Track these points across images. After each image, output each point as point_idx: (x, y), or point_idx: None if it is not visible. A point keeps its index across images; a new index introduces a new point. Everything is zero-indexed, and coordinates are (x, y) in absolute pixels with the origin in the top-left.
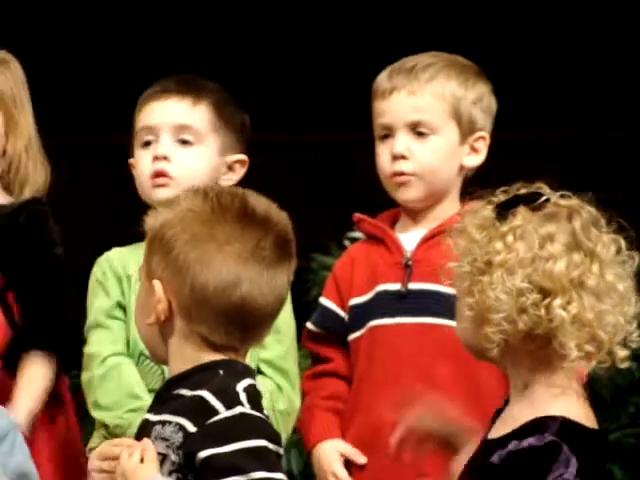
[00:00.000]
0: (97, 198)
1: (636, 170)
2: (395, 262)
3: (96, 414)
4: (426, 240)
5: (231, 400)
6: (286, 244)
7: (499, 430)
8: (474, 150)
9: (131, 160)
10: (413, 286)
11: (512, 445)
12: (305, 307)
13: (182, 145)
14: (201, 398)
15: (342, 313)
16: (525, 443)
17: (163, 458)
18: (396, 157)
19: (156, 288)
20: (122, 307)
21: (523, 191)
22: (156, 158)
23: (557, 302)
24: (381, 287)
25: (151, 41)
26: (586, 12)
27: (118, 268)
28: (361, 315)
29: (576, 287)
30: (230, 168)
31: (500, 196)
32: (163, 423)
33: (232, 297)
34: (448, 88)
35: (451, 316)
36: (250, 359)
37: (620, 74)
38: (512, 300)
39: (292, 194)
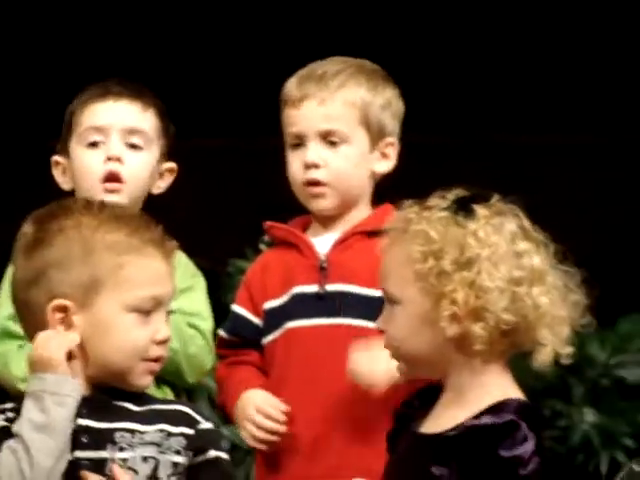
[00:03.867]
0: None
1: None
2: (310, 265)
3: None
4: (340, 242)
5: (205, 415)
6: None
7: (436, 426)
8: (384, 156)
9: (56, 158)
10: (330, 288)
11: (468, 423)
12: (222, 311)
13: (131, 149)
14: (182, 411)
15: (255, 319)
16: (483, 421)
17: (156, 463)
18: (309, 166)
19: None
20: None
21: (467, 193)
22: (109, 159)
23: (537, 290)
24: (297, 289)
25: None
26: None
27: None
28: (276, 318)
29: (544, 279)
30: (161, 175)
31: (441, 198)
32: (131, 432)
33: None
34: (358, 95)
35: (369, 317)
36: None
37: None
38: (509, 290)
39: (208, 199)
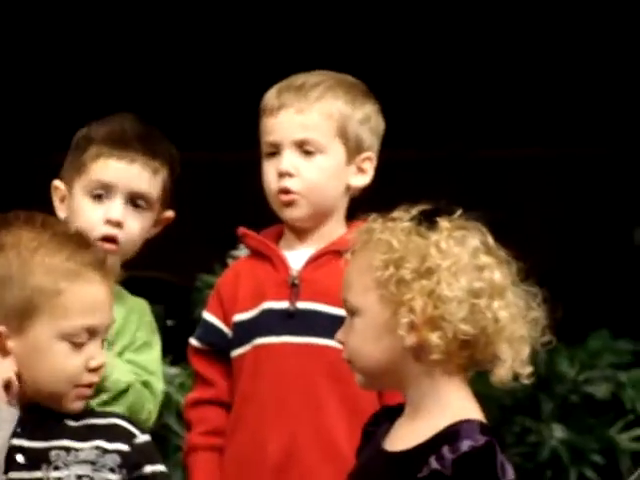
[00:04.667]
0: None
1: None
2: (281, 280)
3: None
4: (314, 259)
5: (141, 427)
6: None
7: (399, 443)
8: (361, 170)
9: (57, 184)
10: (300, 305)
11: (446, 451)
12: (190, 326)
13: (134, 209)
14: (116, 425)
15: (225, 328)
16: (463, 447)
17: None
18: (282, 174)
19: None
20: None
21: (431, 206)
22: (109, 221)
23: (497, 304)
24: (267, 305)
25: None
26: (477, 27)
27: None
28: (245, 332)
29: (504, 294)
30: (157, 223)
31: (405, 211)
32: (67, 449)
33: None
34: (336, 107)
35: None
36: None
37: (512, 90)
38: (468, 301)
39: (177, 214)
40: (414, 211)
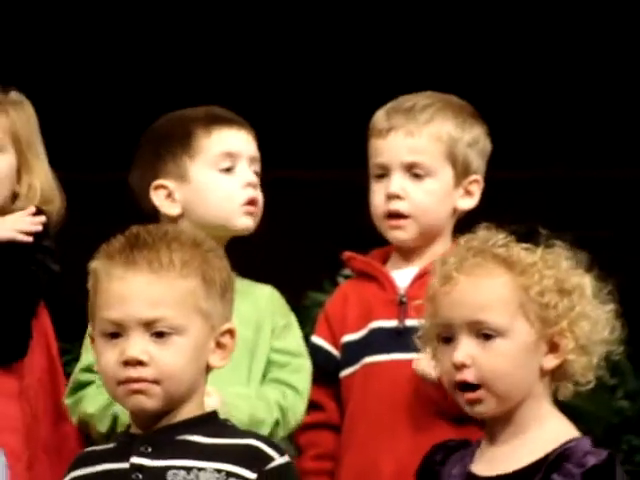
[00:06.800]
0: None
1: (625, 209)
2: (389, 299)
3: None
4: (419, 277)
5: (280, 448)
6: None
7: (495, 467)
8: (468, 193)
9: (160, 182)
10: (409, 323)
11: (571, 467)
12: None
13: (255, 176)
14: (254, 446)
15: (334, 351)
16: (590, 461)
17: None
18: (391, 197)
19: None
20: None
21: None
22: (250, 184)
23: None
24: (375, 324)
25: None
26: (576, 51)
27: None
28: (355, 352)
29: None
30: None
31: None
32: (187, 469)
33: None
34: (445, 130)
35: None
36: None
37: (612, 112)
38: (611, 323)
39: (286, 231)
40: (501, 233)
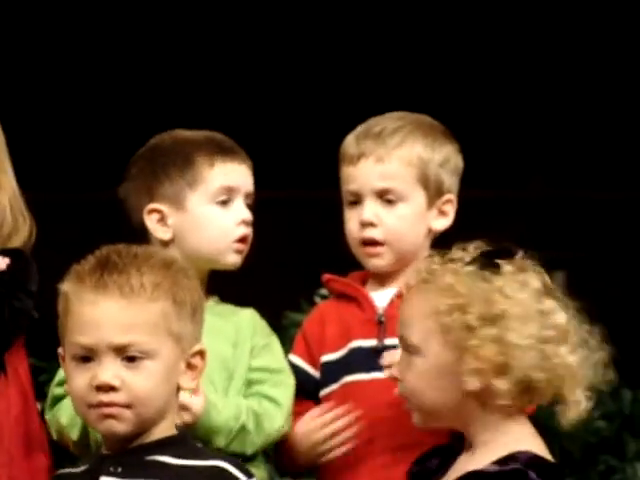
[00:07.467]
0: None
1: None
2: (368, 319)
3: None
4: (397, 297)
5: (248, 471)
6: None
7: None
8: (442, 213)
9: (154, 206)
10: (388, 342)
11: (489, 465)
12: None
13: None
14: (221, 468)
15: (312, 371)
16: (490, 468)
17: None
18: (364, 224)
19: None
20: None
21: (491, 247)
22: (244, 222)
23: (564, 349)
24: (355, 343)
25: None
26: (557, 70)
27: None
28: (334, 371)
29: (569, 337)
30: None
31: (464, 252)
32: None
33: None
34: (415, 153)
35: None
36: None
37: (595, 132)
38: (536, 348)
39: (263, 251)
40: (472, 251)
